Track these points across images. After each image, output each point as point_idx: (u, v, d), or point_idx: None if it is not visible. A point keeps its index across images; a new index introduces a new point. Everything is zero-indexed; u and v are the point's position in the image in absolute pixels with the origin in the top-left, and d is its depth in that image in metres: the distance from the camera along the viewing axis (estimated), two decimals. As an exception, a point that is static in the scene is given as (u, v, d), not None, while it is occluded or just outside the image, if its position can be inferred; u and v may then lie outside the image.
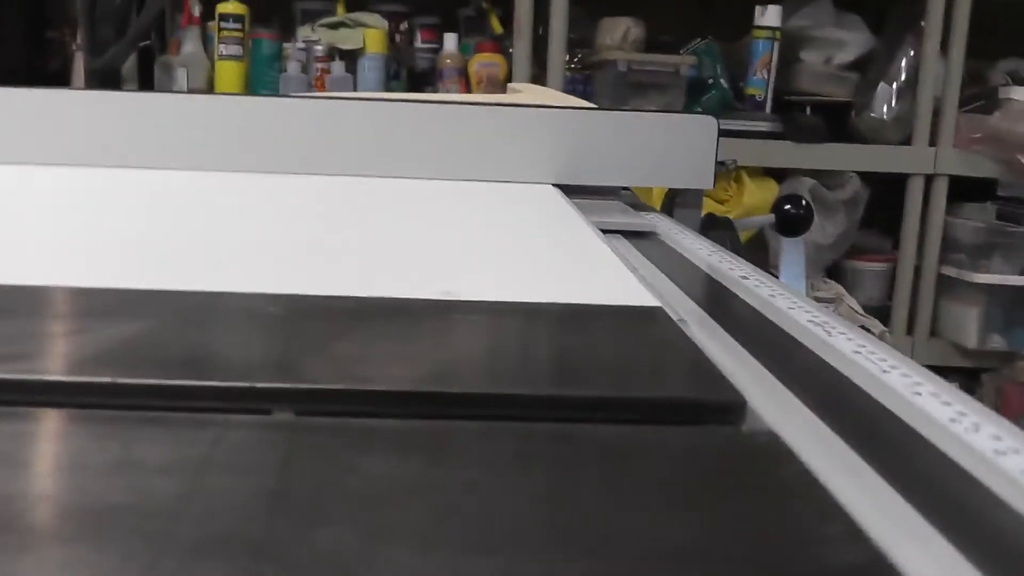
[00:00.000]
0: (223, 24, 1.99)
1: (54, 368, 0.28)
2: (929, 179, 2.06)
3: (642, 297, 0.39)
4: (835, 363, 0.40)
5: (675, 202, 0.94)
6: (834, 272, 2.19)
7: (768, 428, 0.26)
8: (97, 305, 0.35)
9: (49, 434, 0.25)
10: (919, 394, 0.35)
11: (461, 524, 0.20)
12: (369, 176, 0.80)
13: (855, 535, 0.20)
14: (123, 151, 0.80)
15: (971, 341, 2.06)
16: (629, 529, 0.20)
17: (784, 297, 0.51)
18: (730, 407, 0.27)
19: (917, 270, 2.11)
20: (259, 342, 0.32)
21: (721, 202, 1.90)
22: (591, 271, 0.48)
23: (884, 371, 0.39)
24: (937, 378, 0.37)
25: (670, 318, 0.36)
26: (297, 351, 0.30)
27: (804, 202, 1.00)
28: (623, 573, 0.18)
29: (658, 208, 0.96)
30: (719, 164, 0.86)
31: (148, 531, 0.18)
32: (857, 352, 0.41)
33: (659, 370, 0.31)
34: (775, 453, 0.24)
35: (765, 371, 0.37)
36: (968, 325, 2.06)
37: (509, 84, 1.73)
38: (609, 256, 0.50)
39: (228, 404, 0.25)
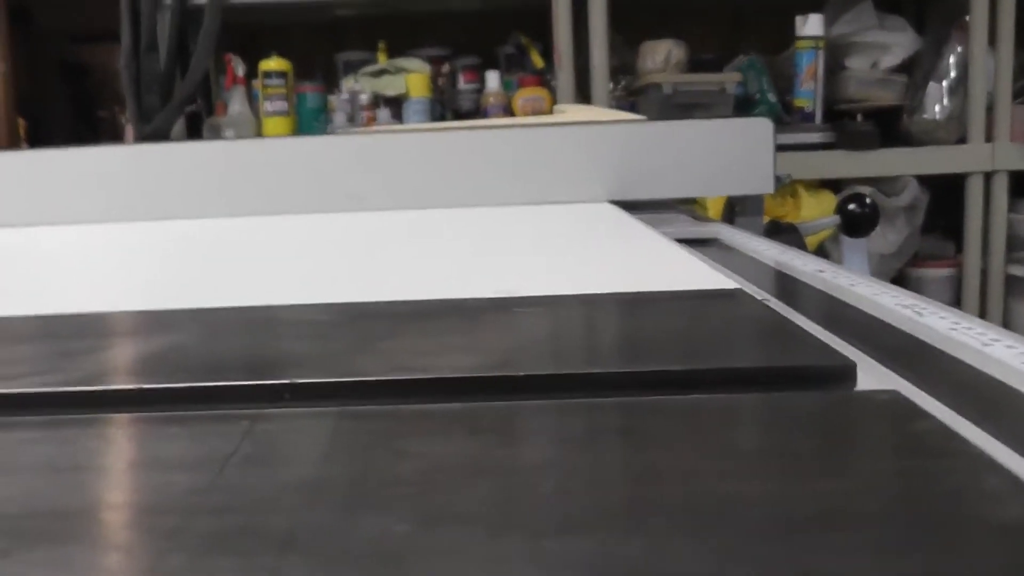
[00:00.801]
0: (267, 81, 2.01)
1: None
2: (988, 177, 2.01)
3: (720, 281, 0.38)
4: (931, 340, 0.38)
5: (735, 211, 0.93)
6: (899, 281, 2.14)
7: (888, 387, 0.25)
8: (166, 323, 0.35)
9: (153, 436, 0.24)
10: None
11: (572, 500, 0.18)
12: (420, 208, 0.80)
13: (1018, 486, 0.18)
14: (175, 202, 0.80)
15: (1048, 339, 1.99)
16: (782, 494, 0.18)
17: (866, 285, 0.49)
18: (841, 371, 0.25)
19: (983, 272, 2.05)
20: (321, 343, 0.31)
21: (779, 218, 1.87)
22: (662, 265, 0.47)
23: (985, 344, 0.36)
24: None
25: (754, 297, 0.34)
26: (353, 349, 0.29)
27: (868, 200, 0.97)
28: (805, 542, 0.17)
29: (718, 219, 0.94)
30: (775, 179, 0.85)
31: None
32: (953, 329, 0.39)
33: (757, 342, 0.30)
34: (905, 410, 0.22)
35: (856, 350, 0.36)
36: (1043, 323, 2.01)
37: (555, 106, 1.73)
38: (678, 251, 0.49)
39: (296, 400, 0.25)
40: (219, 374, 0.28)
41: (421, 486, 0.19)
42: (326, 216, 0.78)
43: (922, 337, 0.39)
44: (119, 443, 0.23)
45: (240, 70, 2.07)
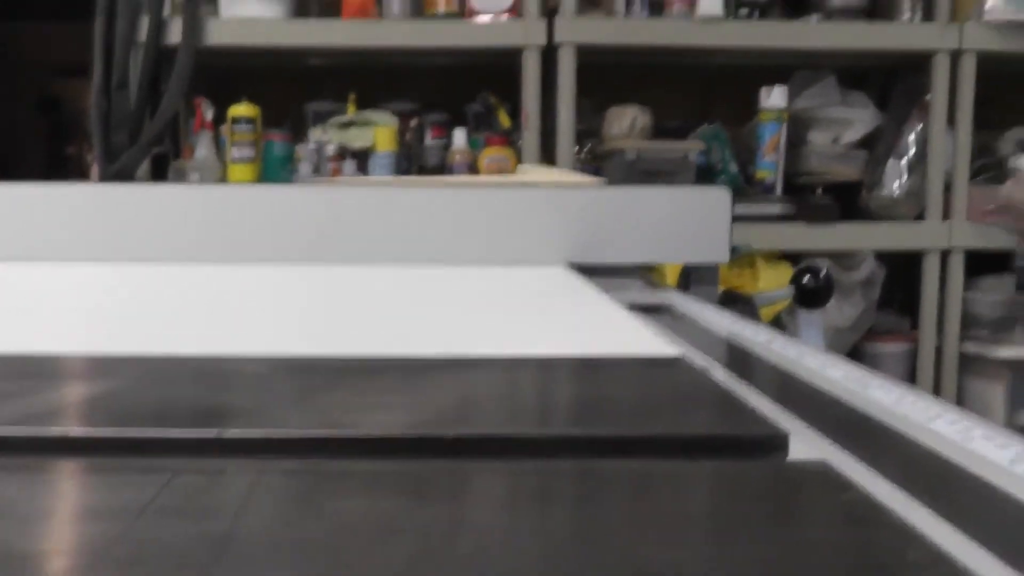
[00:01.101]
0: (235, 127, 2.01)
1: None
2: (945, 254, 2.05)
3: (663, 348, 0.38)
4: (875, 414, 0.38)
5: (690, 279, 0.93)
6: (854, 356, 2.16)
7: (817, 458, 0.25)
8: (105, 368, 0.35)
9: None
10: (971, 439, 0.33)
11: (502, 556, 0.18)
12: (374, 264, 0.79)
13: (938, 559, 0.18)
14: (134, 244, 0.80)
15: (998, 419, 2.02)
16: (709, 564, 0.18)
17: (815, 357, 0.50)
18: (774, 440, 0.25)
19: (938, 349, 2.08)
20: (259, 396, 0.31)
21: (736, 288, 1.89)
22: (610, 331, 0.47)
23: (929, 419, 0.37)
24: (986, 423, 0.36)
25: (694, 365, 0.34)
26: (290, 403, 0.29)
27: (823, 272, 0.98)
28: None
29: (673, 286, 0.94)
30: (732, 249, 0.85)
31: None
32: (898, 403, 0.39)
33: (692, 410, 0.30)
34: (833, 481, 0.23)
35: (796, 420, 0.36)
36: (994, 402, 2.03)
37: (519, 166, 1.74)
38: (627, 318, 0.49)
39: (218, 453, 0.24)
40: (151, 423, 0.27)
41: (333, 546, 0.18)
42: (283, 267, 0.78)
43: (866, 410, 0.39)
44: (37, 489, 0.23)
45: (209, 114, 2.07)
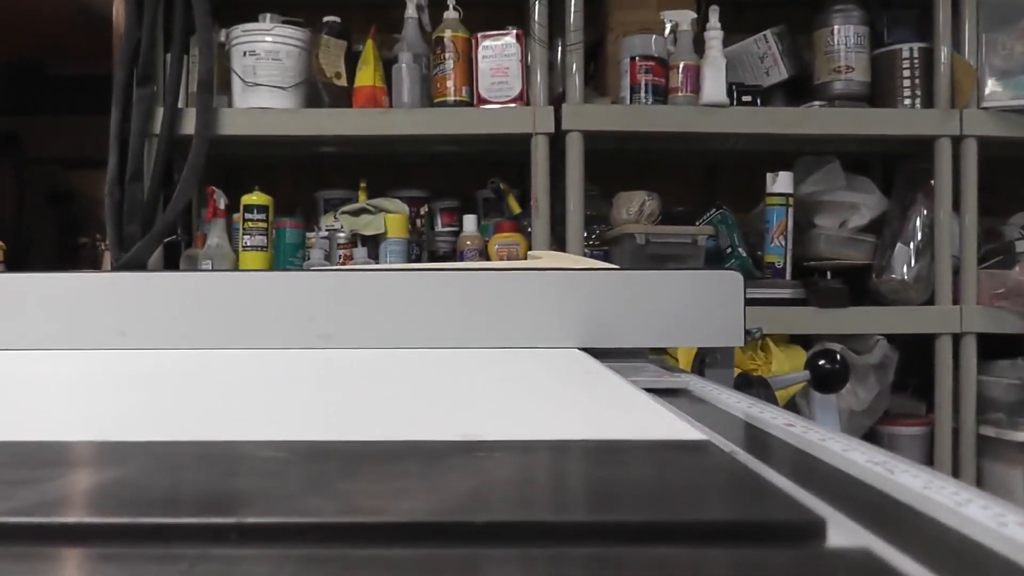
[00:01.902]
0: (248, 215, 2.03)
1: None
2: (957, 338, 2.04)
3: (689, 432, 0.37)
4: (904, 498, 0.37)
5: (705, 363, 0.92)
6: (870, 439, 2.13)
7: (858, 545, 0.24)
8: (119, 455, 0.34)
9: None
10: (1005, 524, 0.32)
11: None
12: (386, 347, 0.79)
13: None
14: (144, 331, 0.79)
15: (1020, 502, 1.98)
16: None
17: (837, 441, 0.48)
18: (811, 526, 0.24)
19: (955, 432, 2.05)
20: (275, 482, 0.30)
21: (751, 370, 1.87)
22: (631, 414, 0.46)
23: (959, 503, 0.36)
24: (1018, 508, 0.35)
25: (722, 449, 0.33)
26: (307, 489, 0.28)
27: (839, 357, 0.97)
28: None
29: (688, 370, 0.94)
30: (746, 333, 0.85)
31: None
32: (926, 487, 0.38)
33: (723, 495, 0.29)
34: (877, 569, 0.22)
35: (824, 503, 0.35)
36: (1013, 486, 2.00)
37: (529, 252, 1.75)
38: (647, 401, 0.48)
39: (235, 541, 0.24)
40: (166, 510, 0.27)
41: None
42: (295, 352, 0.77)
43: (894, 495, 0.38)
44: (51, 581, 0.22)
45: (222, 203, 2.09)
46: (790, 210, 2.04)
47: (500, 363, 0.73)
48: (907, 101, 2.07)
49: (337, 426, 0.44)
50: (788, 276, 2.05)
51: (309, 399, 0.54)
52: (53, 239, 4.78)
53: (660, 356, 1.05)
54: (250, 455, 0.35)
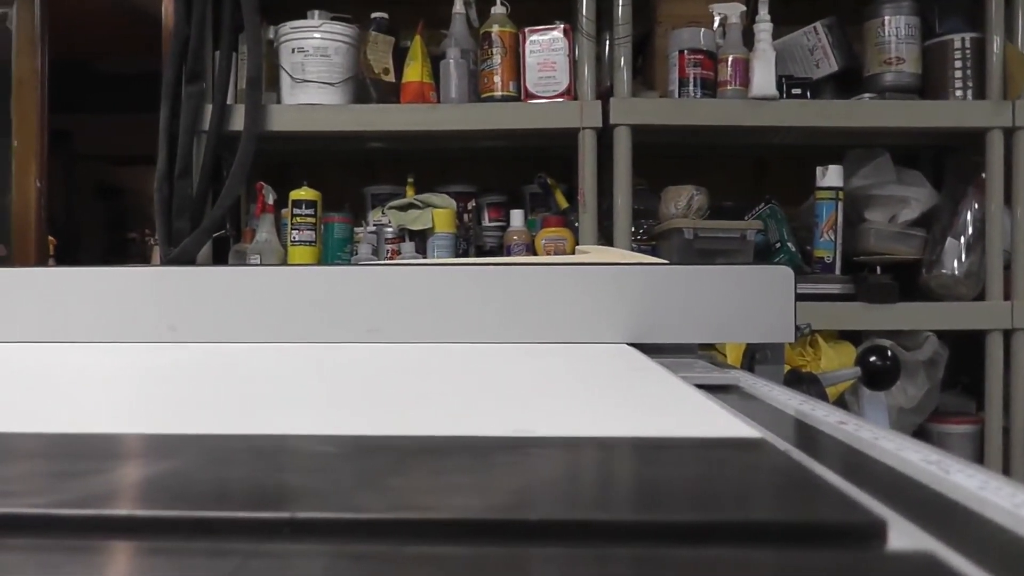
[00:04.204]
0: (296, 211, 2.04)
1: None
2: (1008, 334, 2.00)
3: (742, 430, 0.36)
4: (960, 499, 0.36)
5: (755, 359, 0.91)
6: (920, 437, 2.10)
7: (919, 547, 0.23)
8: (169, 448, 0.34)
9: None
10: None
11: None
12: (433, 342, 0.79)
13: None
14: (194, 325, 0.80)
15: (1073, 502, 1.94)
16: None
17: (890, 439, 0.48)
18: (871, 528, 0.24)
19: (1005, 431, 2.02)
20: (326, 477, 0.30)
21: (800, 367, 1.85)
22: (682, 411, 0.45)
23: (1017, 505, 0.35)
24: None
25: (777, 448, 0.33)
26: (358, 484, 0.28)
27: (890, 353, 0.96)
28: None
29: (737, 366, 0.93)
30: (795, 328, 0.84)
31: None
32: (982, 488, 0.37)
33: (781, 495, 0.28)
34: (940, 573, 0.21)
35: (881, 504, 0.34)
36: (1067, 485, 1.96)
37: (577, 247, 1.74)
38: (699, 397, 0.47)
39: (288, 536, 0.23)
40: (218, 504, 0.27)
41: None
42: (343, 346, 0.77)
43: (950, 495, 0.37)
44: (103, 572, 0.22)
45: (271, 198, 2.11)
46: (840, 204, 2.02)
47: (548, 358, 0.72)
48: (958, 92, 2.03)
49: (386, 421, 0.43)
50: (837, 271, 2.02)
51: (358, 393, 0.54)
52: (102, 234, 4.86)
53: (709, 352, 1.04)
54: (299, 449, 0.35)
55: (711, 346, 1.36)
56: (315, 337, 0.80)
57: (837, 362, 1.86)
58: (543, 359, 0.72)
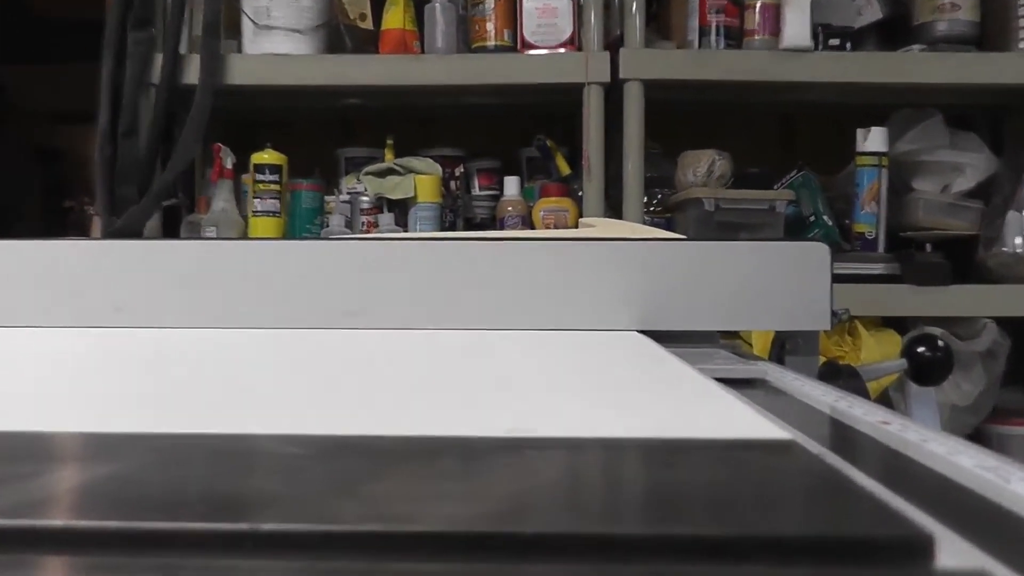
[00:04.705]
0: (258, 176, 2.04)
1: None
2: (1078, 323, 2.01)
3: (769, 430, 0.37)
4: (1020, 511, 0.37)
5: (784, 349, 0.92)
6: (976, 439, 2.11)
7: (973, 566, 0.24)
8: (113, 448, 0.34)
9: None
10: None
11: None
12: (418, 328, 0.79)
13: None
14: (142, 307, 0.80)
15: None
16: None
17: (940, 442, 0.48)
18: (916, 543, 0.24)
19: (1073, 432, 2.03)
20: (295, 483, 0.30)
21: (838, 358, 1.86)
22: (700, 408, 0.46)
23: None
24: None
25: (809, 451, 0.33)
26: (333, 491, 0.28)
27: (940, 343, 0.96)
28: None
29: (765, 357, 0.93)
30: (832, 314, 0.84)
31: None
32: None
33: (813, 505, 0.29)
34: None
35: (928, 516, 0.34)
36: None
37: (580, 219, 1.74)
38: (719, 392, 0.48)
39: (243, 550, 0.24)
40: (168, 514, 0.27)
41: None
42: (315, 332, 0.78)
43: (1010, 507, 0.37)
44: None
45: (229, 162, 2.10)
46: (884, 172, 2.02)
47: (548, 347, 0.72)
48: (1022, 44, 2.03)
49: (364, 418, 0.44)
50: (881, 248, 2.02)
51: (331, 387, 0.54)
52: (39, 202, 4.84)
53: (732, 341, 1.04)
54: (264, 451, 0.35)
55: (735, 334, 1.36)
56: (281, 322, 0.80)
57: (880, 353, 1.87)
58: (541, 348, 0.72)
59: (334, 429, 0.39)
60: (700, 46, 2.00)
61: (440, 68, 2.00)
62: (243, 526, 0.25)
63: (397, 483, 0.31)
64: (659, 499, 0.30)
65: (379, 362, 0.67)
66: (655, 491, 0.31)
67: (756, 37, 1.99)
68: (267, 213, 2.04)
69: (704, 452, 0.35)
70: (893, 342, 1.94)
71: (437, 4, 2.02)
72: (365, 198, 2.07)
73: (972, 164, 2.09)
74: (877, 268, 2.00)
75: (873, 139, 2.02)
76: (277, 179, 2.04)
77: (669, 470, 0.33)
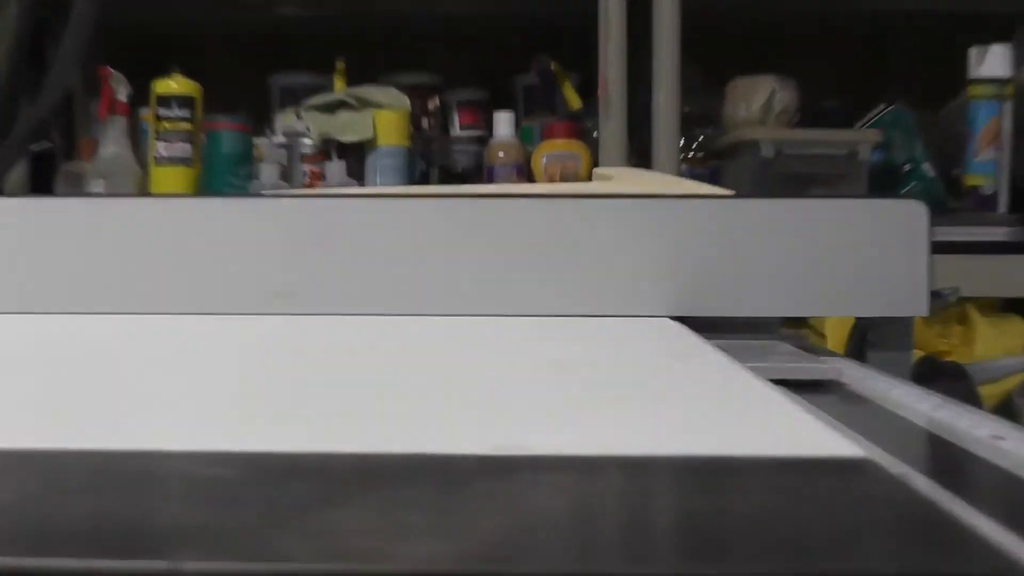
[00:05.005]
0: (163, 112, 2.03)
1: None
2: None
3: (837, 445, 0.38)
4: None
5: (866, 341, 0.93)
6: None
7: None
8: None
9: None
10: None
11: None
12: (385, 313, 0.80)
13: None
14: (6, 287, 0.81)
15: None
16: None
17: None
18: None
19: None
20: (222, 513, 0.31)
21: (941, 353, 1.87)
22: (748, 418, 0.47)
23: None
24: None
25: (887, 471, 0.34)
26: (270, 522, 0.29)
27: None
28: None
29: (840, 352, 0.94)
30: (932, 295, 0.85)
31: None
32: None
33: (893, 540, 0.30)
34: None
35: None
36: None
37: (595, 169, 1.75)
38: (773, 397, 0.49)
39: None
40: (67, 548, 0.28)
41: None
42: (239, 319, 0.78)
43: None
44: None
45: (123, 93, 2.10)
46: (1007, 106, 2.02)
47: (552, 339, 0.73)
48: None
49: (308, 431, 0.44)
50: (1001, 208, 2.03)
51: (266, 390, 0.54)
52: None
53: (797, 330, 1.06)
54: (182, 472, 0.36)
55: (801, 322, 1.37)
56: (193, 306, 0.80)
57: (1000, 347, 1.88)
58: (543, 341, 0.73)
59: (269, 445, 0.40)
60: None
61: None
62: (160, 565, 0.26)
63: (352, 513, 0.32)
64: (689, 532, 0.31)
65: (325, 359, 0.67)
66: (684, 522, 0.32)
67: (832, -77, 2.00)
68: (175, 161, 2.04)
69: (748, 474, 0.36)
70: (1018, 332, 1.95)
71: None
72: (307, 141, 2.07)
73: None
74: (996, 234, 2.01)
75: (992, 61, 2.03)
76: (188, 115, 2.04)
77: (703, 496, 0.34)
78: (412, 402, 0.51)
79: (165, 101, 2.05)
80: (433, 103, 2.21)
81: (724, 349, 0.69)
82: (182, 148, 2.04)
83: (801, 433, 0.42)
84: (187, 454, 0.38)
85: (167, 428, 0.45)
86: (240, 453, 0.38)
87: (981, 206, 2.03)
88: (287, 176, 2.07)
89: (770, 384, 0.54)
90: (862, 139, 2.00)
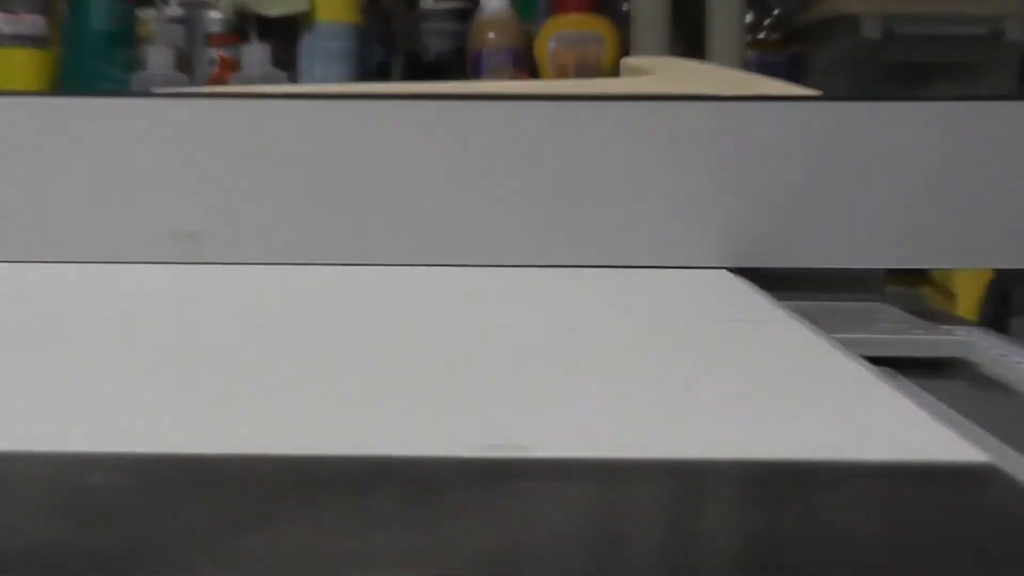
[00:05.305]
0: (4, -29, 2.04)
1: None
2: None
3: (953, 446, 0.39)
4: None
5: (1009, 305, 0.94)
6: None
7: None
8: None
9: None
10: None
11: None
12: (327, 263, 0.81)
13: None
14: None
15: None
16: None
17: None
18: None
19: None
20: (123, 531, 0.32)
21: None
22: (833, 407, 0.48)
23: None
24: None
25: (1017, 482, 0.36)
26: (190, 544, 0.31)
27: None
28: None
29: (972, 319, 0.95)
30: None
31: None
32: None
33: (1013, 562, 0.31)
34: None
35: None
36: None
37: (624, 60, 1.76)
38: (868, 376, 0.50)
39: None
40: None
41: None
42: (128, 269, 0.79)
43: None
44: None
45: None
46: None
47: (568, 297, 0.74)
48: None
49: (240, 424, 0.46)
50: None
51: (165, 369, 0.55)
52: None
53: (912, 289, 1.07)
54: (69, 480, 0.37)
55: (919, 276, 1.38)
56: (55, 252, 0.81)
57: None
58: (556, 299, 0.74)
59: (185, 444, 0.41)
60: None
61: None
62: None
63: (300, 531, 0.33)
64: (748, 552, 0.32)
65: (246, 325, 0.68)
66: (743, 541, 0.33)
67: None
68: (23, 40, 2.05)
69: (839, 482, 0.38)
70: None
71: None
72: (214, 14, 2.07)
73: None
74: None
75: None
76: (42, -24, 2.05)
77: (770, 510, 0.35)
78: (375, 385, 0.52)
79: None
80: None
81: (806, 314, 0.70)
82: (33, 24, 2.05)
83: (903, 430, 0.43)
84: (69, 455, 0.39)
85: (41, 419, 0.46)
86: (132, 455, 0.40)
87: None
88: (185, 65, 2.07)
89: (864, 362, 0.56)
90: (1012, 11, 2.00)
